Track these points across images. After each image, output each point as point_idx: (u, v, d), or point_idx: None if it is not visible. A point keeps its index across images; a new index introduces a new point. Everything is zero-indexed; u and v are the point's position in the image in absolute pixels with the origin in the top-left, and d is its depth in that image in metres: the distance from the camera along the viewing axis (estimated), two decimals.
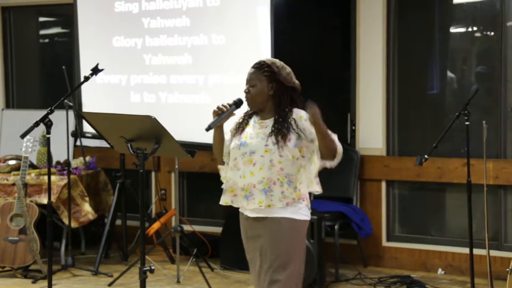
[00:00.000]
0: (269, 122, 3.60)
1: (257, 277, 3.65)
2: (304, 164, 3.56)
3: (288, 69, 3.65)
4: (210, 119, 3.64)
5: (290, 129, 3.53)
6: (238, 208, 3.74)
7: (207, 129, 3.60)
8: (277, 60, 3.67)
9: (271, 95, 3.60)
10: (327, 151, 3.51)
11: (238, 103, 3.66)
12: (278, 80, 3.59)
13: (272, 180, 3.51)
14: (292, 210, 3.54)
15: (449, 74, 6.36)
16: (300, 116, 3.56)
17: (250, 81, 3.64)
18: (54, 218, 6.16)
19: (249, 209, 3.61)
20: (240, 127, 3.68)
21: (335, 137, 3.54)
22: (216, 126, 3.63)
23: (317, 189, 3.61)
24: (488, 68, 6.18)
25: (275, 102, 3.60)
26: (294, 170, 3.53)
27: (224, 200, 3.71)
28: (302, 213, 3.57)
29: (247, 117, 3.71)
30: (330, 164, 3.56)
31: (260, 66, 3.64)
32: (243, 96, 3.68)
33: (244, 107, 3.71)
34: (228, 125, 3.74)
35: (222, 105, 3.62)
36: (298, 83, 3.66)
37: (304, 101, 3.64)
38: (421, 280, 5.88)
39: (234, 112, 3.66)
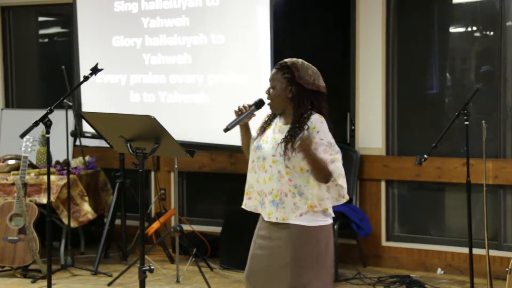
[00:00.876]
0: (287, 128, 3.46)
1: (262, 274, 3.56)
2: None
3: (312, 70, 3.49)
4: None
5: None
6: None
7: (225, 130, 3.50)
8: (300, 60, 3.50)
9: (290, 98, 3.45)
10: (317, 176, 3.35)
11: (258, 104, 3.54)
12: (298, 83, 3.43)
13: (284, 191, 3.41)
14: (305, 218, 3.41)
15: (449, 74, 6.36)
16: (314, 127, 3.38)
17: (271, 82, 3.51)
18: (54, 218, 6.16)
19: (262, 215, 3.53)
20: (263, 128, 3.57)
21: (338, 174, 3.38)
22: (240, 125, 3.55)
23: (331, 203, 3.45)
24: (488, 68, 6.18)
25: (294, 106, 3.44)
26: (302, 181, 3.38)
27: (244, 204, 3.60)
28: (316, 219, 3.42)
29: (272, 117, 3.59)
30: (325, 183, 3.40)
31: (281, 67, 3.49)
32: (252, 96, 3.59)
33: (266, 108, 3.58)
34: (257, 122, 3.62)
35: (243, 106, 3.52)
36: (323, 85, 3.50)
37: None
38: (420, 280, 5.88)
39: (255, 113, 3.55)
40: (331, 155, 3.38)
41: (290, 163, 3.38)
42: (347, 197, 3.47)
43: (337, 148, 3.42)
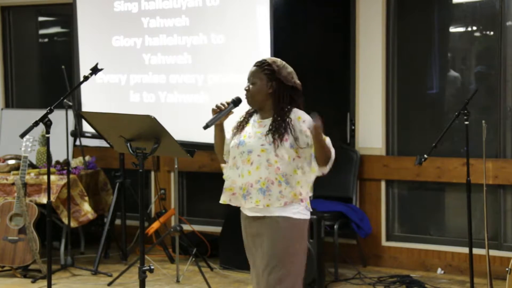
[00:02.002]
0: (268, 121, 3.61)
1: (256, 275, 3.65)
2: (301, 165, 3.56)
3: (290, 68, 3.66)
4: (209, 118, 3.65)
5: (288, 129, 3.53)
6: (237, 208, 3.74)
7: (205, 127, 3.62)
8: (278, 59, 3.68)
9: (270, 93, 3.61)
10: (322, 159, 3.51)
11: (236, 102, 3.67)
12: (278, 78, 3.60)
13: (270, 179, 3.52)
14: (290, 209, 3.55)
15: (449, 73, 6.36)
16: (299, 117, 3.56)
17: (250, 79, 3.66)
18: (54, 218, 6.16)
19: (247, 208, 3.63)
20: (240, 126, 3.70)
21: (329, 141, 3.54)
22: (215, 124, 3.65)
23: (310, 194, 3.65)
24: (488, 67, 6.18)
25: (274, 101, 3.61)
26: (290, 170, 3.53)
27: (223, 199, 3.73)
28: (301, 212, 3.57)
29: (247, 116, 3.72)
30: (322, 171, 3.57)
31: (261, 65, 3.65)
32: (242, 95, 3.68)
33: (244, 106, 3.71)
34: (230, 124, 3.75)
35: (221, 103, 3.64)
36: (299, 83, 3.66)
37: (304, 101, 3.66)
38: (420, 280, 5.88)
39: (233, 110, 3.67)
40: (324, 138, 3.52)
41: (280, 152, 3.51)
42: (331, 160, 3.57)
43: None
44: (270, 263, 3.54)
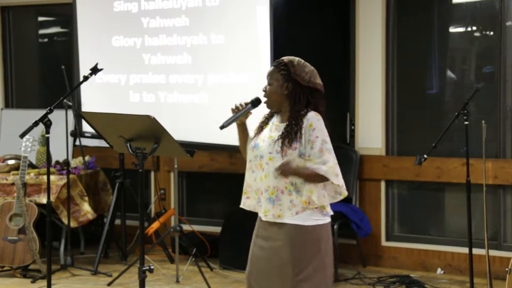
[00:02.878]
0: (283, 126, 3.48)
1: (261, 274, 3.56)
2: None
3: (309, 68, 3.51)
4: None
5: (298, 135, 3.39)
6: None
7: (221, 127, 3.52)
8: (296, 58, 3.53)
9: (286, 95, 3.48)
10: (313, 183, 3.41)
11: (255, 102, 3.55)
12: (294, 79, 3.46)
13: (280, 188, 3.42)
14: (302, 217, 3.42)
15: (448, 73, 6.36)
16: (310, 124, 3.41)
17: (268, 79, 3.53)
18: (53, 218, 6.16)
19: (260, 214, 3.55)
20: (260, 127, 3.59)
21: (323, 171, 3.37)
22: (237, 124, 3.57)
23: (329, 201, 3.48)
24: (487, 68, 6.18)
25: (291, 103, 3.47)
26: (299, 179, 3.41)
27: (241, 203, 3.63)
28: (314, 218, 3.43)
29: (269, 117, 3.61)
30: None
31: (277, 65, 3.52)
32: (251, 96, 3.59)
33: (263, 107, 3.60)
34: (255, 123, 3.64)
35: (239, 104, 3.54)
36: (319, 83, 3.52)
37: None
38: (420, 280, 5.88)
39: (251, 111, 3.56)
40: (324, 155, 3.39)
41: (287, 160, 3.39)
42: (345, 194, 3.48)
43: (330, 146, 3.43)
44: (284, 272, 3.43)
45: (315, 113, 3.46)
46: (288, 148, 3.40)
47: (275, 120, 3.56)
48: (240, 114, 3.54)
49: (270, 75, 3.53)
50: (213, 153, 6.78)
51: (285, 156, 3.39)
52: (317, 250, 3.44)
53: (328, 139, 3.43)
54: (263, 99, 3.55)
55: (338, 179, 3.42)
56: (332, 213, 3.53)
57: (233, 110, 3.54)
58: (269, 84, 3.52)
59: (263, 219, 3.52)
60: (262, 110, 3.62)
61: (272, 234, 3.49)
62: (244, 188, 3.59)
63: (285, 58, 3.54)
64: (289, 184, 3.41)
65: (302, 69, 3.49)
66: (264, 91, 3.54)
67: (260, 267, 3.56)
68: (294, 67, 3.48)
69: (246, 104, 3.55)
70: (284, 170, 3.36)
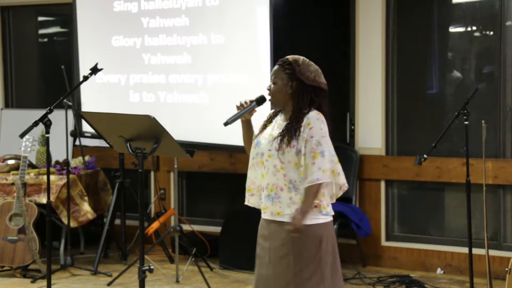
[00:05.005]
0: (285, 124, 3.50)
1: (264, 274, 3.54)
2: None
3: (313, 67, 3.53)
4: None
5: (297, 133, 3.41)
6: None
7: (225, 124, 3.53)
8: (301, 57, 3.54)
9: (291, 93, 3.48)
10: None
11: (259, 100, 3.57)
12: (299, 78, 3.46)
13: (279, 186, 3.44)
14: None
15: (448, 73, 6.36)
16: (309, 123, 3.42)
17: (272, 78, 3.55)
18: (53, 218, 6.15)
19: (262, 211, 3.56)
20: (264, 125, 3.61)
21: (323, 169, 3.38)
22: (241, 121, 3.58)
23: (328, 197, 3.51)
24: (487, 67, 6.18)
25: (294, 102, 3.48)
26: (296, 176, 3.42)
27: (246, 200, 3.65)
28: (312, 217, 3.42)
29: (273, 115, 3.62)
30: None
31: (282, 64, 3.53)
32: (256, 95, 3.60)
33: (268, 105, 3.61)
34: (260, 121, 3.65)
35: (244, 101, 3.55)
36: (323, 82, 3.53)
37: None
38: (420, 280, 5.88)
39: (256, 109, 3.57)
40: (315, 155, 3.37)
41: (285, 158, 3.41)
42: (344, 188, 3.50)
43: (326, 147, 3.40)
44: (286, 272, 3.43)
45: (317, 112, 3.46)
46: (287, 146, 3.41)
47: (279, 118, 3.58)
48: (244, 112, 3.55)
49: (275, 74, 3.54)
50: (213, 153, 6.78)
51: (282, 154, 3.40)
52: (317, 249, 3.43)
53: (324, 140, 3.41)
54: (268, 97, 3.56)
55: (332, 177, 3.43)
56: (333, 213, 3.53)
57: (237, 107, 3.56)
58: (273, 82, 3.53)
59: (263, 216, 3.55)
60: (267, 108, 3.63)
61: (271, 233, 3.50)
62: (248, 185, 3.61)
63: (290, 57, 3.55)
64: (288, 182, 3.43)
65: (307, 68, 3.50)
66: (268, 89, 3.55)
67: (263, 266, 3.55)
68: (299, 66, 3.49)
69: (251, 101, 3.56)
70: (298, 227, 3.33)
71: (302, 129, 3.42)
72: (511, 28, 5.96)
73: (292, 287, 3.42)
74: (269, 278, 3.50)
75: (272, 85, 3.53)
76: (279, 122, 3.54)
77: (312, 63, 3.55)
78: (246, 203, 3.65)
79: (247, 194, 3.63)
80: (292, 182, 3.43)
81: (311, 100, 3.48)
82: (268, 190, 3.46)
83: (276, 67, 3.56)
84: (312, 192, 3.37)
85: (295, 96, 3.48)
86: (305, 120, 3.43)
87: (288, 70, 3.49)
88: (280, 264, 3.45)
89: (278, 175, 3.43)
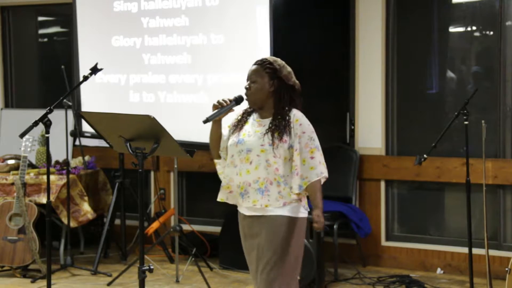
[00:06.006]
0: (267, 121, 3.63)
1: (255, 275, 3.66)
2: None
3: (289, 68, 3.69)
4: (209, 113, 3.67)
5: (287, 130, 3.56)
6: (237, 208, 3.76)
7: (205, 122, 3.65)
8: (278, 59, 3.71)
9: (272, 92, 3.62)
10: None
11: (238, 100, 3.70)
12: (279, 77, 3.62)
13: (269, 180, 3.55)
14: (288, 208, 3.59)
15: (448, 73, 6.36)
16: (297, 119, 3.60)
17: (251, 77, 3.67)
18: (53, 218, 6.16)
19: (244, 207, 3.65)
20: (239, 124, 3.71)
21: (315, 160, 3.58)
22: (214, 120, 3.67)
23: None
24: (487, 67, 6.18)
25: (275, 100, 3.63)
26: (287, 171, 3.58)
27: (220, 197, 3.78)
28: (299, 211, 3.62)
29: (246, 115, 3.74)
30: None
31: (262, 63, 3.67)
32: (242, 94, 3.71)
33: (244, 104, 3.74)
34: (227, 121, 3.76)
35: (223, 100, 3.66)
36: (298, 83, 3.69)
37: (303, 101, 3.69)
38: (420, 280, 5.88)
39: (234, 108, 3.69)
40: (311, 150, 3.57)
41: (278, 152, 3.54)
42: (325, 175, 3.62)
43: (317, 142, 3.61)
44: (269, 261, 3.56)
45: (297, 110, 3.64)
46: (279, 141, 3.55)
47: (255, 116, 3.70)
48: (224, 110, 3.66)
49: (255, 73, 3.66)
50: None
51: (276, 148, 3.53)
52: (298, 241, 3.62)
53: (314, 135, 3.60)
54: (245, 97, 3.69)
55: (323, 168, 3.60)
56: (308, 209, 3.69)
57: (215, 106, 3.66)
58: (252, 82, 3.66)
59: (247, 213, 3.66)
60: (236, 108, 3.75)
61: (257, 229, 3.63)
62: (225, 183, 3.74)
63: (268, 57, 3.73)
64: (279, 176, 3.55)
65: (285, 68, 3.67)
66: (247, 88, 3.67)
67: (252, 261, 3.70)
68: (279, 65, 3.65)
69: (230, 101, 3.68)
70: (323, 223, 3.54)
71: (291, 125, 3.57)
72: (511, 28, 5.96)
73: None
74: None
75: (252, 84, 3.65)
76: (258, 120, 3.67)
77: (286, 65, 3.70)
78: (224, 200, 3.77)
79: (224, 192, 3.75)
80: (284, 176, 3.56)
81: (290, 98, 3.64)
82: (258, 184, 3.57)
83: (254, 66, 3.69)
84: (319, 186, 3.56)
85: (276, 94, 3.63)
86: (291, 116, 3.59)
87: (268, 69, 3.63)
88: (265, 251, 3.60)
89: (270, 169, 3.55)
